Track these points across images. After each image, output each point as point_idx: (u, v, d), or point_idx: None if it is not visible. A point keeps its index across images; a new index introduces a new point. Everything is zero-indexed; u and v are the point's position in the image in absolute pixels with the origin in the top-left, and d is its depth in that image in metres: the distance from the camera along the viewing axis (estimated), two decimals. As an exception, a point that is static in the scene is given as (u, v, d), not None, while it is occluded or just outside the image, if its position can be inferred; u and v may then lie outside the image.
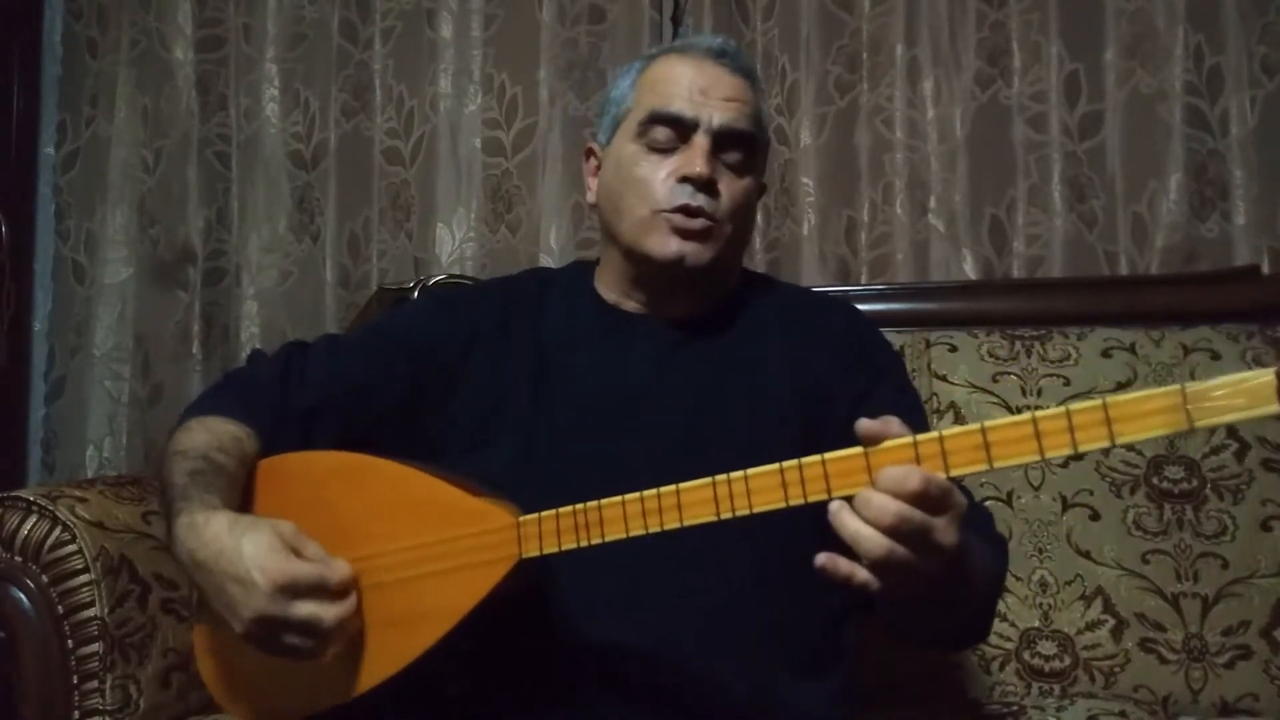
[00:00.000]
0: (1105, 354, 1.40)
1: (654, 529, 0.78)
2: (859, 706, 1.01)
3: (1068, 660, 1.31)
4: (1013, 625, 1.34)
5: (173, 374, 1.95)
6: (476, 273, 1.81)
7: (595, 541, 0.80)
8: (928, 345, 1.46)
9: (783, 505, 0.73)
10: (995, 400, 1.40)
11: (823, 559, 0.70)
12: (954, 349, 1.45)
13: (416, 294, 1.63)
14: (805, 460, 0.73)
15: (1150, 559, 1.32)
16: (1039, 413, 0.67)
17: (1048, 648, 1.32)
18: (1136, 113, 1.65)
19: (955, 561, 0.71)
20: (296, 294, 1.93)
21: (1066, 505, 1.35)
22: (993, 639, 1.34)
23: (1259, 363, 1.36)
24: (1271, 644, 1.28)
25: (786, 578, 0.96)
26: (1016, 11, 1.69)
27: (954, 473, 0.69)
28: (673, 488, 0.77)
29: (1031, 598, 1.34)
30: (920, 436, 0.70)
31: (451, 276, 1.69)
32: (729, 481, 0.75)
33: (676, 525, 0.77)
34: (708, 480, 0.76)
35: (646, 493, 0.78)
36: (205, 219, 1.96)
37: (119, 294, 1.96)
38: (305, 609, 0.81)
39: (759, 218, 1.75)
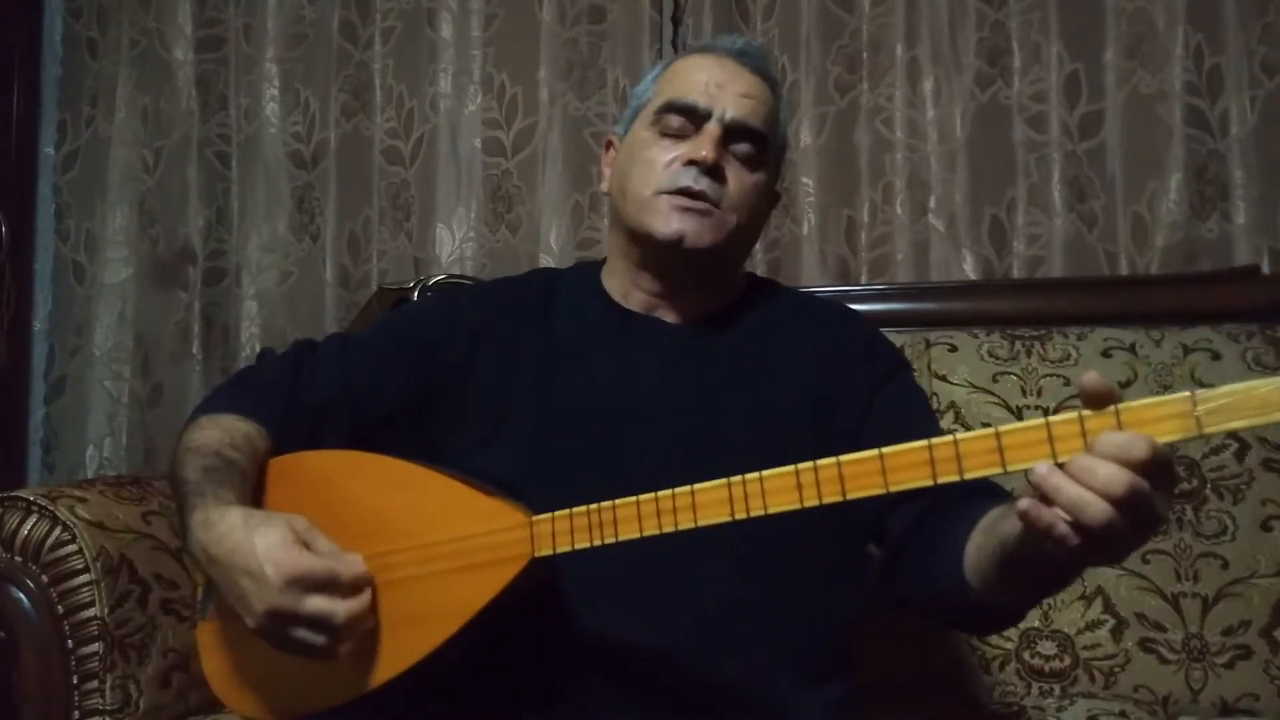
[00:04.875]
0: (1105, 354, 1.40)
1: (668, 529, 0.78)
2: (859, 710, 1.01)
3: (1068, 660, 1.31)
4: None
5: (173, 374, 1.95)
6: (476, 273, 1.81)
7: (609, 541, 0.80)
8: (928, 345, 1.46)
9: (797, 507, 0.73)
10: (995, 400, 1.39)
11: (1026, 504, 0.65)
12: (954, 349, 1.44)
13: (417, 294, 1.63)
14: (821, 462, 0.72)
15: (1150, 559, 1.32)
16: (1053, 418, 0.66)
17: (1048, 648, 1.32)
18: (1136, 113, 1.65)
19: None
20: (296, 294, 1.93)
21: (1066, 505, 1.35)
22: (992, 639, 1.34)
23: (1259, 363, 1.36)
24: (1271, 644, 1.28)
25: (796, 586, 0.96)
26: (1016, 11, 1.69)
27: (969, 475, 0.68)
28: (687, 488, 0.77)
29: (1031, 598, 1.34)
30: (935, 440, 0.69)
31: (451, 276, 1.69)
32: (744, 483, 0.75)
33: (690, 525, 0.77)
34: (723, 481, 0.76)
35: (661, 493, 0.78)
36: (205, 219, 1.96)
37: (119, 294, 1.96)
38: (316, 603, 0.82)
39: (759, 218, 1.75)
